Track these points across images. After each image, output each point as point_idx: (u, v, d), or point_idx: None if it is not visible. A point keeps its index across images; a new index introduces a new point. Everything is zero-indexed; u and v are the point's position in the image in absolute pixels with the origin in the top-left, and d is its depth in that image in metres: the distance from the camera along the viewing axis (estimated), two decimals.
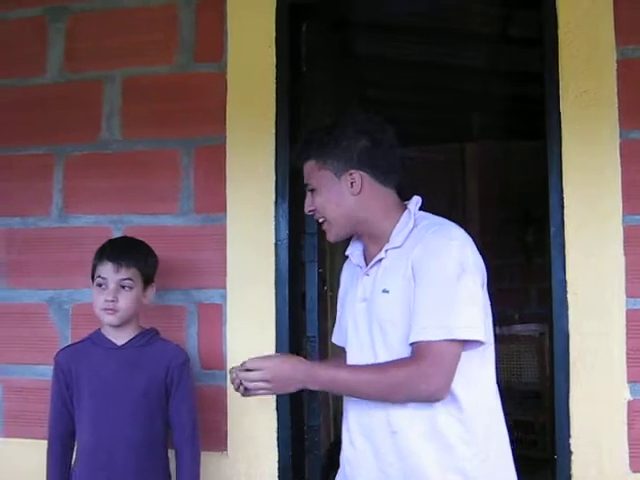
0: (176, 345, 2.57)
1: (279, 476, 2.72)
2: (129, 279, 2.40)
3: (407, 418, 1.87)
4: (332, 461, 5.19)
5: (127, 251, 2.43)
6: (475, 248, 1.91)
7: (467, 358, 1.84)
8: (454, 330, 1.78)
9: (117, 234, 2.86)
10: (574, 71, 2.59)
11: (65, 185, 2.97)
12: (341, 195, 1.99)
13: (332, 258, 5.54)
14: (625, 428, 2.48)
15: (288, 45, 2.85)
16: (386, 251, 1.96)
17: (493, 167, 7.23)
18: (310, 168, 2.04)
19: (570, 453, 2.49)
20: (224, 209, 2.82)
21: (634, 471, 2.47)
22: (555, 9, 2.62)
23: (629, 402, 2.49)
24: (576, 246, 2.53)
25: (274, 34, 2.83)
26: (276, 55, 2.82)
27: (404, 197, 2.07)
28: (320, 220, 2.08)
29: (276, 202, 2.79)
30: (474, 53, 5.61)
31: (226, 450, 2.77)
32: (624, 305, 2.51)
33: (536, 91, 2.78)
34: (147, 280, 2.48)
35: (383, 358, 1.90)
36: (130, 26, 2.97)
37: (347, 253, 2.17)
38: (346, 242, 2.16)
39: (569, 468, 2.48)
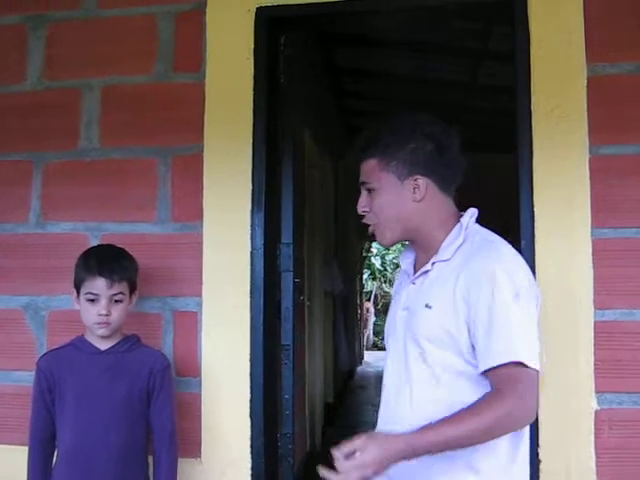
0: (158, 351, 2.62)
1: None
2: (121, 293, 2.43)
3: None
4: (308, 471, 5.22)
5: (118, 265, 2.44)
6: (526, 268, 1.84)
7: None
8: (522, 352, 1.71)
9: (94, 241, 2.88)
10: (545, 87, 2.64)
11: (43, 192, 2.99)
12: (402, 200, 1.90)
13: (310, 268, 5.57)
14: (592, 437, 2.52)
15: (266, 57, 2.89)
16: (433, 263, 1.88)
17: (474, 179, 7.28)
18: (371, 167, 1.94)
19: (538, 462, 2.52)
20: (201, 217, 2.85)
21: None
22: (528, 26, 2.67)
23: (596, 412, 2.53)
24: (546, 258, 2.57)
25: (253, 46, 2.86)
26: (254, 66, 2.86)
27: None
28: (370, 222, 1.97)
29: (252, 211, 2.81)
30: (454, 67, 5.67)
31: (200, 457, 2.79)
32: (592, 317, 2.55)
33: (509, 105, 2.82)
34: (133, 289, 2.52)
35: (414, 370, 1.85)
36: (110, 35, 2.99)
37: (399, 259, 2.09)
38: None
39: (537, 477, 2.50)
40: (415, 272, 1.97)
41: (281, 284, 3.00)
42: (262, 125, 2.85)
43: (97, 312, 2.39)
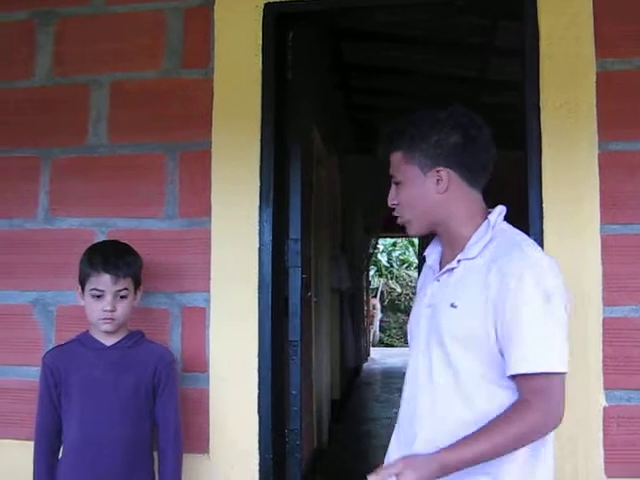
0: (163, 346, 2.63)
1: (260, 478, 2.75)
2: (126, 289, 2.44)
3: None
4: (315, 467, 5.23)
5: (122, 261, 2.45)
6: (555, 269, 1.78)
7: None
8: (551, 359, 1.70)
9: (102, 237, 2.88)
10: (554, 83, 2.63)
11: (51, 188, 2.99)
12: (426, 192, 1.88)
13: (317, 264, 5.58)
14: (600, 434, 2.52)
15: (274, 52, 2.89)
16: (459, 261, 1.85)
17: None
18: (397, 160, 1.93)
19: None
20: (209, 213, 2.85)
21: (609, 477, 2.51)
22: (537, 22, 2.66)
23: (605, 408, 2.53)
24: (555, 255, 2.54)
25: (261, 42, 2.86)
26: (262, 62, 2.86)
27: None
28: (398, 216, 1.95)
29: (260, 207, 2.82)
30: (462, 62, 5.66)
31: (208, 452, 2.79)
32: (601, 313, 2.55)
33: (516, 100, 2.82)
34: (137, 285, 2.53)
35: (437, 370, 1.82)
36: (118, 31, 2.99)
37: (425, 253, 2.06)
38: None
39: None
40: (440, 268, 1.94)
41: (288, 280, 3.00)
42: (270, 121, 2.85)
43: (102, 308, 2.41)
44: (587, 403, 2.53)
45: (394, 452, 1.94)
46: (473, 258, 1.83)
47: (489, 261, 1.79)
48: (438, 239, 2.00)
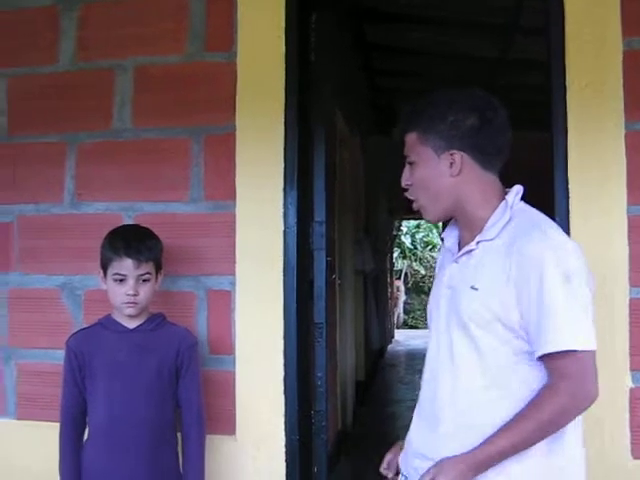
0: (185, 328, 2.65)
1: (286, 459, 2.78)
2: (148, 273, 2.47)
3: None
4: (340, 449, 5.25)
5: (144, 245, 2.47)
6: (576, 249, 1.77)
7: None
8: (576, 338, 1.68)
9: (128, 221, 2.90)
10: (580, 62, 2.60)
11: (77, 173, 3.01)
12: (439, 175, 1.87)
13: (341, 247, 5.58)
14: (627, 415, 2.52)
15: (297, 35, 2.88)
16: (478, 243, 1.84)
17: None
18: (412, 140, 1.91)
19: None
20: (234, 197, 2.86)
21: (635, 457, 2.50)
22: (562, 1, 2.63)
23: (631, 389, 2.52)
24: (581, 236, 2.54)
25: (284, 24, 2.85)
26: (285, 45, 2.85)
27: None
28: (412, 197, 1.94)
29: (285, 190, 2.82)
30: (485, 42, 5.62)
31: (234, 434, 2.82)
32: (628, 294, 2.54)
33: (539, 80, 2.79)
34: (159, 268, 2.55)
35: (458, 351, 1.81)
36: (142, 15, 2.99)
37: (443, 235, 2.05)
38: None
39: None
40: (459, 250, 1.92)
41: (313, 263, 3.01)
42: (294, 103, 2.84)
43: (125, 292, 2.43)
44: (613, 384, 2.51)
45: (415, 433, 1.95)
46: (492, 239, 1.81)
47: (509, 241, 1.77)
48: (455, 222, 1.99)
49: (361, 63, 6.73)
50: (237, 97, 2.88)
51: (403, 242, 19.34)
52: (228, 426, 2.81)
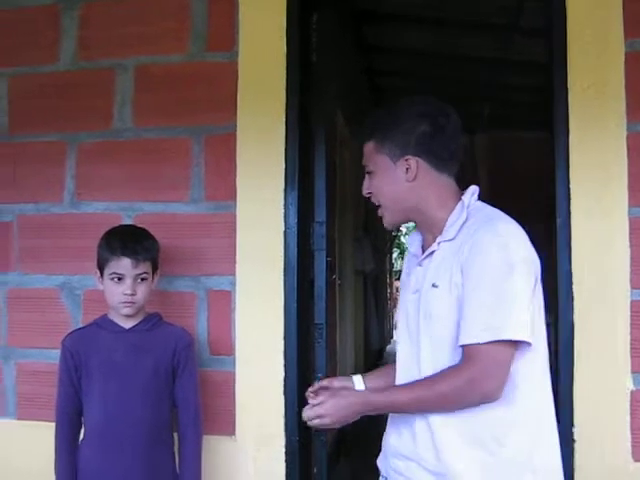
0: (181, 328, 2.64)
1: (286, 460, 2.77)
2: (145, 272, 2.47)
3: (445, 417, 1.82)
4: (339, 449, 5.24)
5: (141, 245, 2.48)
6: (526, 242, 1.83)
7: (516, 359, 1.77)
8: (501, 331, 1.71)
9: (127, 221, 2.90)
10: (582, 64, 2.60)
11: (77, 172, 3.01)
12: (396, 181, 1.93)
13: (341, 247, 5.58)
14: (628, 417, 2.50)
15: (299, 35, 2.88)
16: (439, 243, 1.89)
17: (503, 157, 7.24)
18: (369, 150, 1.99)
19: (573, 442, 2.51)
20: (234, 197, 2.85)
21: (636, 460, 2.49)
22: (564, 1, 2.62)
23: (632, 392, 2.51)
24: (582, 238, 2.55)
25: (285, 24, 2.84)
26: (287, 45, 2.84)
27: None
28: (377, 204, 2.01)
29: (285, 190, 2.81)
30: (485, 43, 5.62)
31: (234, 434, 2.81)
32: (629, 296, 2.53)
33: (541, 81, 2.79)
34: (155, 268, 2.55)
35: (426, 352, 1.86)
36: (143, 15, 2.99)
37: (407, 242, 2.12)
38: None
39: (572, 457, 2.50)
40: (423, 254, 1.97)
41: (314, 263, 3.00)
42: (295, 103, 2.84)
43: (122, 292, 2.43)
44: (614, 386, 2.51)
45: (391, 434, 2.01)
46: (452, 239, 1.87)
47: (464, 238, 1.83)
48: (418, 229, 2.05)
49: (361, 64, 6.72)
50: (238, 97, 2.87)
51: (402, 242, 19.29)
52: (228, 427, 2.81)
